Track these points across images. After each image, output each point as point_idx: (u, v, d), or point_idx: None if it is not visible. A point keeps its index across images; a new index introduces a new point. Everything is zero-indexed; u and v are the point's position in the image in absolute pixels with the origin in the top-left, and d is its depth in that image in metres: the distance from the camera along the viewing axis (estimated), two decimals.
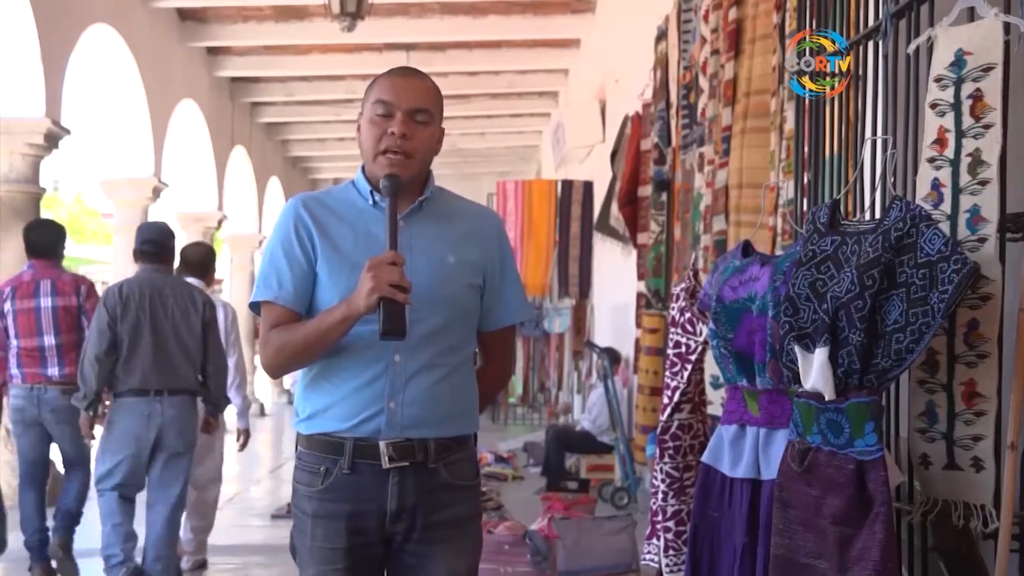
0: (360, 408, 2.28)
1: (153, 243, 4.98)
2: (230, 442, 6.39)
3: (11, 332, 5.49)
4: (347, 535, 2.30)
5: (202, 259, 6.01)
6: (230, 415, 6.15)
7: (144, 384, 4.75)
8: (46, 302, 5.48)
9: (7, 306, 5.49)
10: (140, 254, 4.97)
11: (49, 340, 5.45)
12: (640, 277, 6.84)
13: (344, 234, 2.34)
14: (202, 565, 5.91)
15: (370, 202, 2.36)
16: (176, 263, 6.08)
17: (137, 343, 4.75)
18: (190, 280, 5.77)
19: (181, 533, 5.78)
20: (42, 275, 5.52)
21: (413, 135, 2.31)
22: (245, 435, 6.05)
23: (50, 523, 5.64)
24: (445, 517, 2.33)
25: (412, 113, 2.31)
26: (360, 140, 2.37)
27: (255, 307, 2.38)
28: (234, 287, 15.82)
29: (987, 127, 2.23)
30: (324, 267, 2.32)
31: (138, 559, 4.99)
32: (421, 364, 2.29)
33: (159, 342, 4.78)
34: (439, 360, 2.31)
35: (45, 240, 5.65)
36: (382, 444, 2.27)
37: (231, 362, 5.80)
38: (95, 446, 5.08)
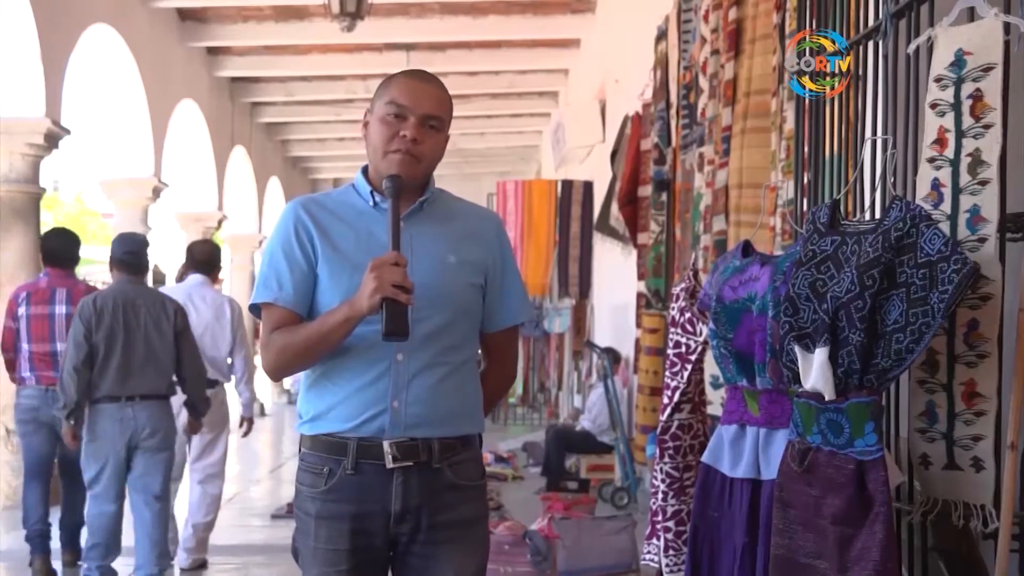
0: (363, 408, 2.28)
1: (134, 255, 5.10)
2: (233, 438, 6.48)
3: (24, 336, 5.60)
4: (351, 536, 2.29)
5: (208, 257, 6.09)
6: (234, 410, 6.29)
7: (117, 391, 4.88)
8: (60, 309, 5.59)
9: (21, 310, 5.59)
10: (120, 264, 5.09)
11: (61, 346, 5.53)
12: (640, 277, 6.84)
13: (345, 235, 2.34)
14: (202, 565, 5.91)
15: (370, 203, 2.37)
16: (183, 261, 6.24)
17: (111, 352, 4.89)
18: (196, 276, 5.93)
19: (183, 529, 5.85)
20: (58, 283, 5.64)
21: (424, 140, 2.32)
22: (248, 423, 6.25)
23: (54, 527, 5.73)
24: (451, 518, 2.32)
25: (425, 119, 2.32)
26: (368, 137, 2.37)
27: (255, 309, 2.38)
28: (234, 287, 15.81)
29: (987, 127, 2.23)
30: (325, 268, 2.32)
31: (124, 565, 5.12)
32: (423, 363, 2.28)
33: (131, 351, 4.92)
34: (441, 359, 2.31)
35: (62, 249, 5.78)
36: (386, 444, 2.26)
37: (239, 357, 5.95)
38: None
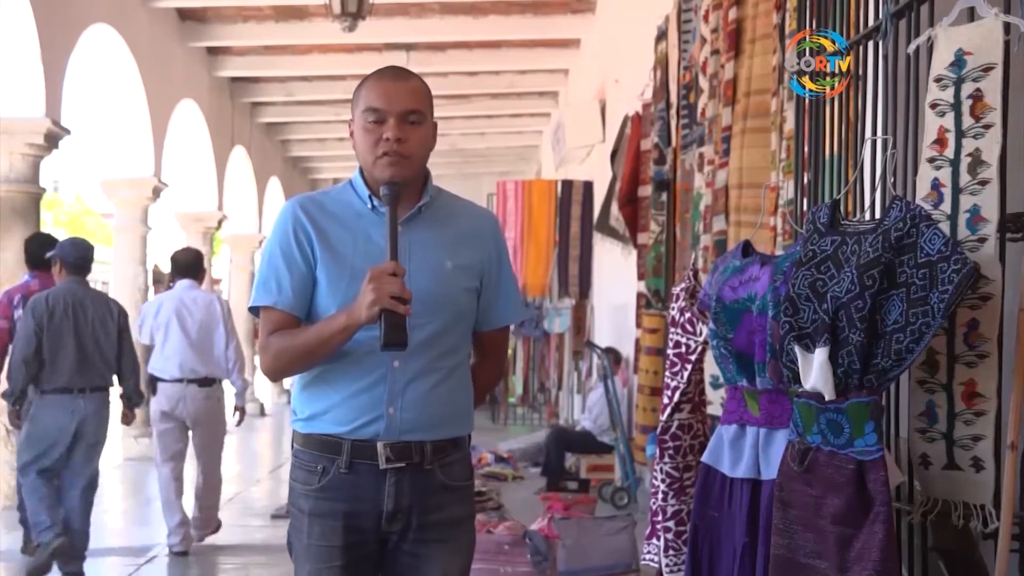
0: (359, 413, 2.29)
1: (86, 259, 5.61)
2: (234, 439, 6.56)
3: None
4: (343, 533, 2.31)
5: (191, 262, 6.49)
6: (231, 400, 6.51)
7: (69, 383, 5.39)
8: None
9: (19, 313, 5.72)
10: (72, 267, 5.55)
11: None
12: (640, 277, 6.84)
13: (343, 238, 2.34)
14: (216, 527, 6.38)
15: (369, 206, 2.36)
16: (169, 271, 6.74)
17: (62, 347, 5.35)
18: (183, 281, 6.34)
19: (191, 511, 6.30)
20: (49, 285, 5.75)
21: (408, 137, 2.31)
22: (241, 412, 6.68)
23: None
24: (440, 518, 2.35)
25: (404, 116, 2.30)
26: (355, 147, 2.36)
27: (255, 311, 2.39)
28: (234, 287, 15.81)
29: (987, 127, 2.23)
30: (323, 272, 2.32)
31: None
32: (419, 369, 2.30)
33: (80, 346, 5.40)
34: (436, 364, 2.32)
35: (41, 254, 5.97)
36: (380, 445, 2.28)
37: (231, 347, 6.31)
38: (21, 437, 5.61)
